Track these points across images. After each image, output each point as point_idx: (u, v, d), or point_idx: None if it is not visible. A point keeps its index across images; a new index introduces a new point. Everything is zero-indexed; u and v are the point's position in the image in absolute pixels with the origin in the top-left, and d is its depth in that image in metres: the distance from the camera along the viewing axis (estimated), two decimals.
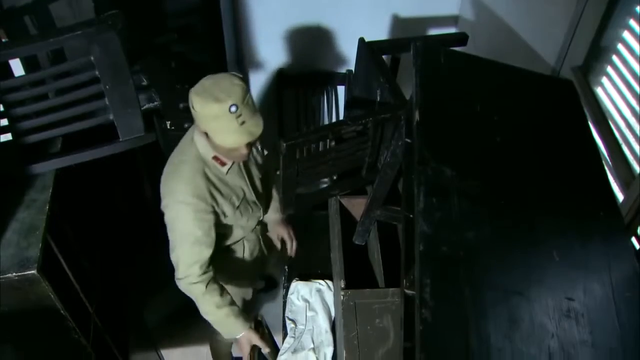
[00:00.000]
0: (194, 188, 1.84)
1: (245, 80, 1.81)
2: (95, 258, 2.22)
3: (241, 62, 3.48)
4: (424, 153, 1.39)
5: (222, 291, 1.97)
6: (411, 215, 1.37)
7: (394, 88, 2.21)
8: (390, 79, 2.27)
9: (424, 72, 1.61)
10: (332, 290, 2.26)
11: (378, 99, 2.32)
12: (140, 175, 2.69)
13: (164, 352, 2.97)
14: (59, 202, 1.90)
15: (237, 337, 2.04)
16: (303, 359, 2.07)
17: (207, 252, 1.90)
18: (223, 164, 1.92)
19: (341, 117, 3.49)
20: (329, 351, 2.07)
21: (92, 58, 1.74)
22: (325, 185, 2.61)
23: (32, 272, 1.65)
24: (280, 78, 3.43)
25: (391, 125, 2.15)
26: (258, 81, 3.59)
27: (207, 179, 1.89)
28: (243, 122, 1.72)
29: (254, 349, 2.07)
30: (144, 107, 2.44)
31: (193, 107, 1.72)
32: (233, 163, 1.95)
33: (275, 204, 2.31)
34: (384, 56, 2.49)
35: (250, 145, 1.84)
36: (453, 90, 1.63)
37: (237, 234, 2.14)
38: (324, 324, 2.13)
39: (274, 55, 3.45)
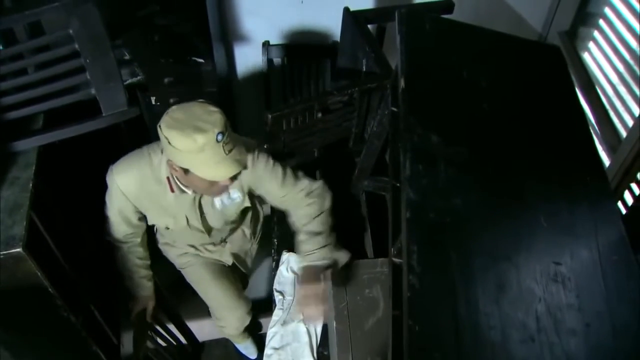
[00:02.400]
0: (125, 185, 1.81)
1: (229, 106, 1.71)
2: (83, 234, 2.20)
3: (225, 35, 3.43)
4: (410, 120, 1.38)
5: (143, 255, 2.05)
6: (398, 184, 1.36)
7: (379, 57, 2.19)
8: (375, 49, 2.25)
9: (409, 39, 1.59)
10: None
11: (364, 68, 2.30)
12: (125, 150, 2.67)
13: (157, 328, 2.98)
14: (43, 179, 1.87)
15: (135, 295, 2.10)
16: (293, 331, 2.07)
17: (128, 228, 1.95)
18: (172, 189, 1.84)
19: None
20: (318, 322, 2.08)
21: (70, 31, 1.70)
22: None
23: (18, 250, 1.63)
24: (266, 50, 3.39)
25: (377, 95, 2.13)
26: (243, 54, 3.54)
27: (143, 188, 1.83)
28: (230, 150, 1.63)
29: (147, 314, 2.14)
30: (127, 82, 2.40)
31: (170, 144, 1.58)
32: (185, 192, 1.86)
33: (307, 244, 1.92)
34: (369, 25, 2.47)
35: (233, 177, 1.71)
36: (439, 57, 1.61)
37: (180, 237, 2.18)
38: None
39: (258, 27, 3.40)
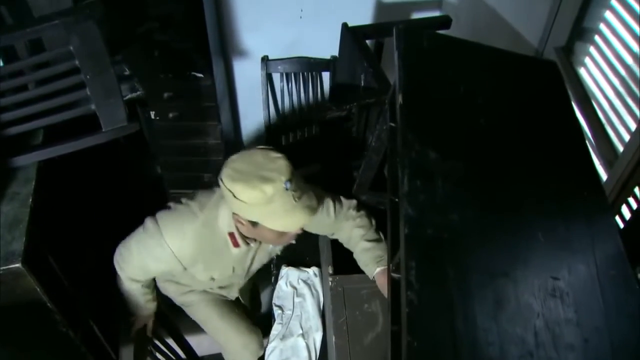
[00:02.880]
0: (180, 249, 1.69)
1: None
2: (82, 250, 2.20)
3: (224, 50, 3.46)
4: (408, 136, 1.39)
5: (150, 283, 1.98)
6: (396, 199, 1.37)
7: (378, 73, 2.21)
8: (374, 64, 2.27)
9: (407, 55, 1.61)
10: (319, 277, 2.26)
11: (362, 84, 2.32)
12: (126, 165, 2.68)
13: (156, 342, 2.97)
14: (43, 195, 1.88)
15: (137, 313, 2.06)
16: (292, 345, 2.07)
17: (150, 278, 1.91)
18: (236, 244, 1.76)
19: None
20: (317, 336, 2.07)
21: (71, 48, 1.72)
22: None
23: (17, 265, 1.64)
24: (264, 65, 3.41)
25: (376, 110, 2.15)
26: (242, 69, 3.57)
27: (201, 248, 1.73)
28: (299, 197, 1.54)
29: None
30: (127, 97, 2.41)
31: (235, 197, 1.49)
32: (249, 245, 1.79)
33: (368, 254, 1.89)
34: (367, 41, 2.49)
35: None
36: (436, 73, 1.63)
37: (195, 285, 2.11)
38: (312, 310, 2.14)
39: (257, 42, 3.43)
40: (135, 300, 1.98)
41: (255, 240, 1.79)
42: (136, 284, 1.89)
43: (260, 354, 2.31)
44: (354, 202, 1.95)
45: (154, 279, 2.01)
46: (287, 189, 1.50)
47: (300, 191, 1.55)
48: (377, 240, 1.88)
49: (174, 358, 2.45)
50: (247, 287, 2.31)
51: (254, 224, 1.58)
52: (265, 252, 1.95)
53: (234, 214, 1.61)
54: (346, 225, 1.92)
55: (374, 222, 1.93)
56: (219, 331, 2.24)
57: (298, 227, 1.60)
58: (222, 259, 1.81)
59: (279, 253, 2.07)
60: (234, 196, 1.50)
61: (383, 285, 1.80)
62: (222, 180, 1.54)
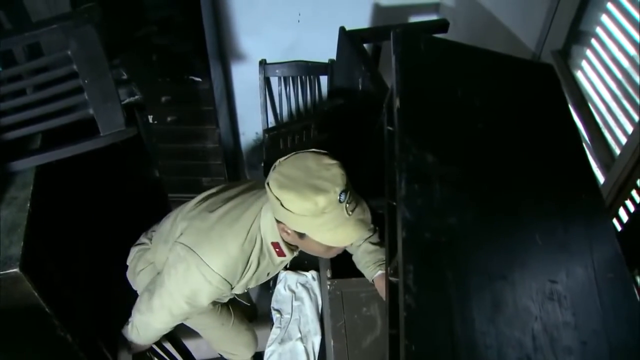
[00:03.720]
0: (229, 272, 1.56)
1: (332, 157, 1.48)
2: (81, 254, 2.20)
3: (222, 54, 3.46)
4: (405, 140, 1.40)
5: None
6: (394, 203, 1.37)
7: (375, 76, 2.21)
8: (371, 68, 2.27)
9: (404, 59, 1.61)
10: (317, 280, 2.26)
11: (360, 87, 2.32)
12: (124, 170, 2.67)
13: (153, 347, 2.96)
14: (41, 199, 1.87)
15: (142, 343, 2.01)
16: (291, 349, 2.07)
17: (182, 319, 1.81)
18: (282, 254, 1.64)
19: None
20: (316, 340, 2.07)
21: (69, 52, 1.71)
22: None
23: (15, 270, 1.63)
24: (262, 69, 3.41)
25: (373, 114, 2.15)
26: (240, 73, 3.57)
27: (247, 263, 1.60)
28: (353, 210, 1.41)
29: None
30: (125, 101, 2.41)
31: (283, 206, 1.37)
32: (294, 253, 1.68)
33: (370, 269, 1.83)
34: (365, 45, 2.49)
35: None
36: (433, 76, 1.63)
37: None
38: (310, 313, 2.14)
39: (255, 46, 3.44)
40: (152, 337, 1.96)
41: (298, 247, 1.69)
42: (170, 324, 1.85)
43: (256, 348, 2.31)
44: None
45: None
46: (340, 202, 1.37)
47: (353, 203, 1.43)
48: (380, 244, 1.87)
49: None
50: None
51: (300, 235, 1.46)
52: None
53: (279, 222, 1.49)
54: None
55: (377, 228, 1.92)
56: (218, 336, 2.23)
57: (349, 242, 1.47)
58: (263, 268, 1.71)
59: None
60: (282, 205, 1.38)
61: (382, 289, 1.79)
62: (269, 186, 1.42)
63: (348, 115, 2.16)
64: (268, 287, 2.46)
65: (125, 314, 2.08)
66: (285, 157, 1.47)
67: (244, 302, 2.35)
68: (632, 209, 1.79)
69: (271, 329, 2.22)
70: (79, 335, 1.99)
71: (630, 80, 1.83)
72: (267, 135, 1.97)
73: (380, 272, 1.79)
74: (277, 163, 1.47)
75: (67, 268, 2.03)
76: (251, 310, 2.47)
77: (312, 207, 1.35)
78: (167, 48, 3.05)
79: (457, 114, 1.56)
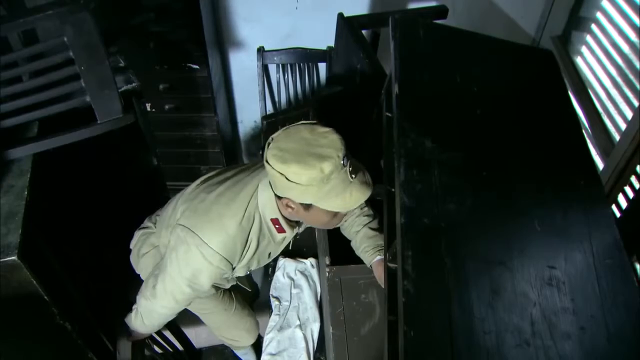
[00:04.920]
0: (228, 250, 1.57)
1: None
2: (78, 242, 2.19)
3: (220, 41, 3.44)
4: (404, 125, 1.39)
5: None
6: (393, 189, 1.37)
7: (373, 63, 2.20)
8: (370, 54, 2.26)
9: (403, 45, 1.60)
10: (316, 268, 2.26)
11: (358, 74, 2.31)
12: (122, 157, 2.66)
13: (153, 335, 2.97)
14: (38, 187, 1.87)
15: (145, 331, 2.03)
16: (290, 336, 2.07)
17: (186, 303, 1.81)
18: (281, 230, 1.65)
19: None
20: (315, 327, 2.08)
21: (65, 39, 1.70)
22: None
23: (13, 258, 1.62)
24: (260, 56, 3.40)
25: (372, 101, 2.14)
26: (238, 60, 3.56)
27: (247, 241, 1.61)
28: (355, 174, 1.41)
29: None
30: (122, 89, 2.40)
31: (289, 180, 1.37)
32: (294, 228, 1.68)
33: (369, 254, 1.83)
34: (363, 31, 2.48)
35: None
36: (432, 62, 1.62)
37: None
38: (309, 301, 2.14)
39: (253, 33, 3.42)
40: (156, 324, 1.98)
41: (298, 222, 1.71)
42: (175, 310, 1.85)
43: (257, 334, 2.29)
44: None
45: None
46: (343, 166, 1.38)
47: (354, 167, 1.43)
48: (379, 230, 1.87)
49: (171, 350, 2.45)
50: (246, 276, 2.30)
51: (306, 206, 1.46)
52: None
53: (282, 198, 1.48)
54: (352, 212, 1.87)
55: (376, 214, 1.92)
56: (220, 321, 2.22)
57: (356, 206, 1.46)
58: (266, 248, 1.72)
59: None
60: (287, 179, 1.38)
61: (380, 276, 1.79)
62: (269, 163, 1.41)
63: (346, 102, 2.15)
64: (267, 274, 2.46)
65: (124, 302, 2.08)
66: (277, 133, 1.47)
67: (246, 288, 2.35)
68: (631, 195, 1.79)
69: (270, 316, 2.22)
70: (78, 323, 1.99)
71: (631, 65, 1.82)
72: (265, 122, 1.97)
73: (378, 257, 1.79)
74: (270, 140, 1.46)
75: (66, 256, 2.03)
76: (253, 295, 2.48)
77: (318, 174, 1.35)
78: (165, 35, 3.03)
79: (457, 99, 1.55)
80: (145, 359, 2.18)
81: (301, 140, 1.41)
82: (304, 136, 1.42)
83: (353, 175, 1.41)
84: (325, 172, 1.35)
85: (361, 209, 1.87)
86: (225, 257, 1.57)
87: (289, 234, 1.69)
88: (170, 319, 1.94)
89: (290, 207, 1.49)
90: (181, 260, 1.61)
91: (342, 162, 1.37)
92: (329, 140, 1.41)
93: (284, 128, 1.49)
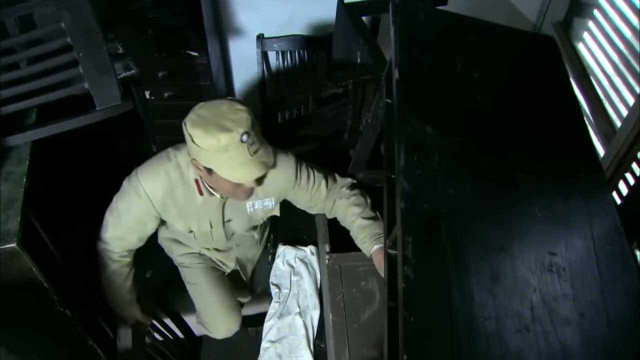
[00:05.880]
0: (153, 190, 1.76)
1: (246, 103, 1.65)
2: (77, 229, 2.19)
3: (219, 28, 3.42)
4: (404, 111, 1.38)
5: (128, 276, 1.96)
6: (393, 175, 1.36)
7: (374, 49, 2.19)
8: (370, 40, 2.24)
9: (403, 30, 1.59)
10: (316, 255, 2.26)
11: (358, 60, 2.30)
12: (120, 145, 2.66)
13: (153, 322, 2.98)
14: (37, 174, 1.86)
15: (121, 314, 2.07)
16: (290, 323, 2.08)
17: (134, 240, 1.87)
18: (200, 192, 1.80)
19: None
20: (315, 314, 2.08)
21: (62, 25, 1.69)
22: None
23: (12, 245, 1.62)
24: (260, 43, 3.37)
25: (372, 87, 2.13)
26: (237, 47, 3.54)
27: (172, 191, 1.78)
28: (255, 152, 1.58)
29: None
30: (121, 76, 2.39)
31: (193, 142, 1.55)
32: (213, 195, 1.82)
33: (367, 244, 1.88)
34: (363, 17, 2.46)
35: (260, 179, 1.70)
36: (433, 48, 1.61)
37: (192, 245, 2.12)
38: (309, 288, 2.14)
39: (252, 20, 3.40)
40: (115, 299, 2.01)
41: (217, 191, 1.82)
42: (115, 265, 1.91)
43: (233, 333, 2.31)
44: (349, 180, 1.97)
45: (132, 273, 1.99)
46: (242, 142, 1.53)
47: (257, 145, 1.58)
48: (374, 219, 1.88)
49: (171, 338, 2.46)
50: (246, 261, 2.33)
51: (209, 171, 1.62)
52: (241, 211, 1.94)
53: (192, 159, 1.64)
54: (341, 204, 1.93)
55: (369, 200, 1.93)
56: (202, 298, 2.27)
57: (249, 180, 1.63)
58: (194, 208, 1.85)
59: (264, 220, 2.06)
60: (192, 140, 1.55)
61: (380, 264, 1.80)
62: (184, 124, 1.59)
63: (346, 88, 2.14)
64: (267, 262, 2.46)
65: None
66: (206, 102, 1.64)
67: (245, 279, 2.37)
68: (632, 181, 1.79)
69: (270, 303, 2.23)
70: (78, 310, 1.99)
71: (633, 51, 1.81)
72: (264, 109, 1.95)
73: (377, 246, 1.81)
74: (195, 107, 1.63)
75: (65, 243, 2.03)
76: (248, 290, 2.53)
77: (215, 143, 1.52)
78: (164, 22, 3.01)
79: (457, 85, 1.54)
80: (146, 347, 2.19)
81: (217, 111, 1.58)
82: (221, 109, 1.58)
83: (253, 153, 1.56)
84: (222, 143, 1.52)
85: (347, 198, 1.92)
86: (145, 190, 1.74)
87: (207, 198, 1.81)
88: (110, 276, 1.95)
89: (198, 168, 1.65)
90: (121, 190, 1.82)
91: (241, 137, 1.52)
92: (238, 116, 1.56)
93: (211, 101, 1.65)
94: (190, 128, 1.56)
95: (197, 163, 1.63)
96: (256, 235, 2.22)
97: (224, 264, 2.28)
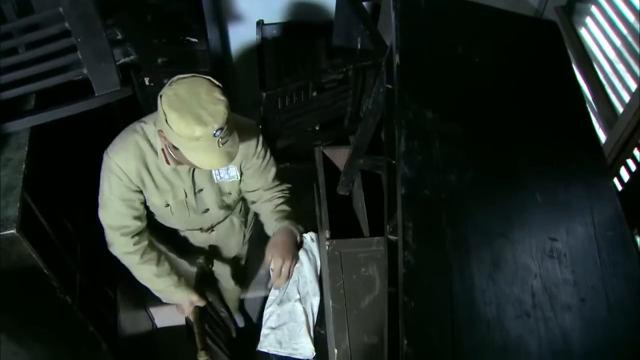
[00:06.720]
0: (123, 162, 1.74)
1: (224, 86, 1.63)
2: (77, 215, 2.19)
3: (219, 14, 3.40)
4: (405, 97, 1.37)
5: (159, 259, 1.95)
6: (393, 161, 1.35)
7: (374, 35, 2.18)
8: (370, 26, 2.23)
9: (404, 16, 1.57)
10: (316, 241, 2.26)
11: (359, 46, 2.28)
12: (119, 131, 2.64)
13: (153, 310, 2.98)
14: (36, 160, 1.86)
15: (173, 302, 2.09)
16: (290, 310, 2.08)
17: (132, 223, 1.84)
18: (167, 162, 1.79)
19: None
20: (315, 301, 2.08)
21: (61, 9, 1.68)
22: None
23: (12, 231, 1.63)
24: (260, 29, 3.35)
25: (372, 73, 2.12)
26: (237, 33, 3.51)
27: (144, 162, 1.78)
28: (224, 143, 1.58)
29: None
30: (120, 62, 2.37)
31: (166, 121, 1.53)
32: (181, 164, 1.80)
33: (278, 222, 1.94)
34: (364, 3, 2.44)
35: None
36: (434, 33, 1.60)
37: (171, 223, 2.10)
38: (309, 274, 2.14)
39: (252, 6, 3.36)
40: (161, 289, 2.02)
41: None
42: (137, 257, 1.89)
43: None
44: (286, 184, 2.03)
45: (159, 254, 1.97)
46: (214, 136, 1.54)
47: (226, 138, 1.58)
48: (292, 206, 1.97)
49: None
50: (227, 251, 2.37)
51: (174, 147, 1.62)
52: (209, 179, 1.93)
53: (159, 130, 1.65)
54: (265, 198, 2.00)
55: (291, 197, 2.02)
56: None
57: (213, 167, 1.73)
58: (167, 176, 1.84)
59: (230, 193, 2.04)
60: (166, 120, 1.54)
61: (275, 243, 1.88)
62: (160, 97, 1.57)
63: (346, 74, 2.13)
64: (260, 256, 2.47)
65: (123, 275, 2.08)
66: (185, 76, 1.61)
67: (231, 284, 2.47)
68: (633, 168, 1.78)
69: (270, 290, 2.23)
70: (78, 296, 1.99)
71: (636, 36, 1.79)
72: (264, 95, 1.95)
73: (284, 223, 1.91)
74: (174, 79, 1.61)
75: (64, 229, 2.03)
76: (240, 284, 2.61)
77: (189, 132, 1.52)
78: (162, 8, 2.99)
79: (458, 71, 1.53)
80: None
81: (196, 96, 1.55)
82: (200, 94, 1.56)
83: (221, 145, 1.57)
84: (196, 134, 1.52)
85: (280, 196, 1.99)
86: (118, 164, 1.73)
87: (173, 167, 1.80)
88: (143, 268, 1.94)
89: (163, 137, 1.64)
90: (102, 180, 1.79)
91: (214, 133, 1.53)
92: (216, 109, 1.54)
93: (194, 75, 1.62)
94: (166, 107, 1.54)
95: (164, 135, 1.62)
96: (235, 219, 2.22)
97: (203, 254, 2.28)
